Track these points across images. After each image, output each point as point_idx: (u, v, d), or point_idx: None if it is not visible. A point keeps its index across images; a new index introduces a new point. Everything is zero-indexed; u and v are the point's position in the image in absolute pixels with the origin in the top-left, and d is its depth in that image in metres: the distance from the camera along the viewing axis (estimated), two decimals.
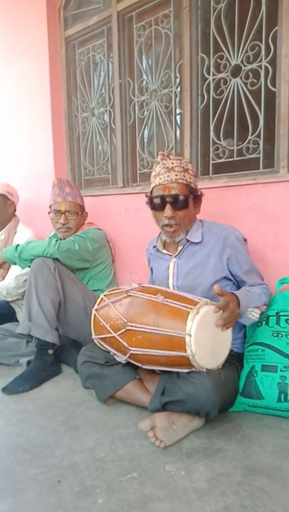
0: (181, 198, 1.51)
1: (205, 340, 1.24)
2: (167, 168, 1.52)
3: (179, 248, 1.60)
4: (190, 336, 1.21)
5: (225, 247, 1.53)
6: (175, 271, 1.60)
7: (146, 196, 1.61)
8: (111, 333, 1.44)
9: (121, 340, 1.40)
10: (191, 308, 1.25)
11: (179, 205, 1.52)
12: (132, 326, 1.37)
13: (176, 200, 1.51)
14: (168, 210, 1.51)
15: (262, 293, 1.49)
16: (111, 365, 1.52)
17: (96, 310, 1.56)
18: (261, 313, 1.49)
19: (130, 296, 1.46)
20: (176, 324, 1.26)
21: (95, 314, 1.55)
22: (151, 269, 1.81)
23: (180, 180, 1.50)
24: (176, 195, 1.50)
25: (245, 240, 1.60)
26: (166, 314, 1.31)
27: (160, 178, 1.53)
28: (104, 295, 1.58)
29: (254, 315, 1.43)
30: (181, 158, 1.56)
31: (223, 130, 2.00)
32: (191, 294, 1.42)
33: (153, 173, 1.58)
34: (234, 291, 1.36)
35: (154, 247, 1.72)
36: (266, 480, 1.07)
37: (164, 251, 1.66)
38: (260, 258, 1.77)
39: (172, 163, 1.52)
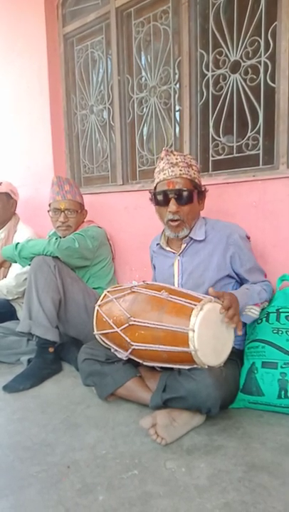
0: (185, 193, 1.50)
1: (208, 337, 1.25)
2: (171, 163, 1.51)
3: (183, 246, 1.60)
4: (193, 331, 1.21)
5: (228, 245, 1.53)
6: (180, 269, 1.60)
7: (150, 192, 1.60)
8: (114, 328, 1.44)
9: (123, 336, 1.40)
10: (195, 305, 1.26)
11: (184, 200, 1.51)
12: (135, 321, 1.37)
13: (181, 195, 1.50)
14: (172, 205, 1.50)
15: (262, 290, 1.49)
16: (112, 363, 1.52)
17: (99, 305, 1.56)
18: (262, 310, 1.49)
19: (134, 292, 1.47)
20: (180, 320, 1.26)
21: (97, 310, 1.56)
22: (154, 267, 1.81)
23: (184, 176, 1.50)
24: (181, 190, 1.50)
25: (249, 238, 1.60)
26: (169, 310, 1.31)
27: (164, 174, 1.52)
28: (108, 291, 1.58)
29: (253, 312, 1.43)
30: (185, 154, 1.56)
31: (222, 126, 2.00)
32: (195, 291, 1.42)
33: (157, 169, 1.58)
34: (232, 291, 1.37)
35: (158, 244, 1.71)
36: (267, 476, 1.07)
37: (168, 248, 1.66)
38: (260, 255, 1.77)
39: (176, 159, 1.52)
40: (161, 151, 1.57)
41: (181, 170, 1.50)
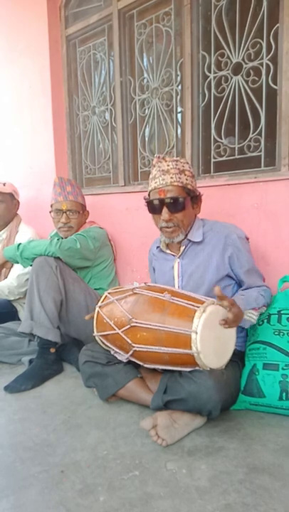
0: (177, 200, 1.50)
1: (210, 339, 1.25)
2: (162, 170, 1.51)
3: (182, 248, 1.60)
4: (196, 333, 1.21)
5: (227, 245, 1.53)
6: (180, 271, 1.60)
7: (144, 199, 1.61)
8: (115, 329, 1.44)
9: (125, 337, 1.40)
10: (198, 307, 1.26)
11: (176, 207, 1.51)
12: (137, 322, 1.37)
13: (172, 203, 1.50)
14: (165, 214, 1.51)
15: (259, 295, 1.49)
16: (113, 364, 1.52)
17: (100, 307, 1.56)
18: (260, 315, 1.49)
19: (136, 293, 1.46)
20: (183, 322, 1.26)
21: (98, 311, 1.55)
22: (154, 270, 1.81)
23: (175, 183, 1.49)
24: (172, 198, 1.49)
25: (247, 239, 1.60)
26: (172, 312, 1.31)
27: (156, 182, 1.52)
28: (109, 293, 1.58)
29: (251, 316, 1.43)
30: (178, 159, 1.54)
31: (224, 128, 2.00)
32: (195, 293, 1.42)
33: (150, 176, 1.58)
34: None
35: (158, 247, 1.71)
36: (267, 478, 1.07)
37: (168, 251, 1.66)
38: (261, 257, 1.77)
39: (168, 166, 1.51)
40: (154, 158, 1.57)
41: (172, 177, 1.49)
